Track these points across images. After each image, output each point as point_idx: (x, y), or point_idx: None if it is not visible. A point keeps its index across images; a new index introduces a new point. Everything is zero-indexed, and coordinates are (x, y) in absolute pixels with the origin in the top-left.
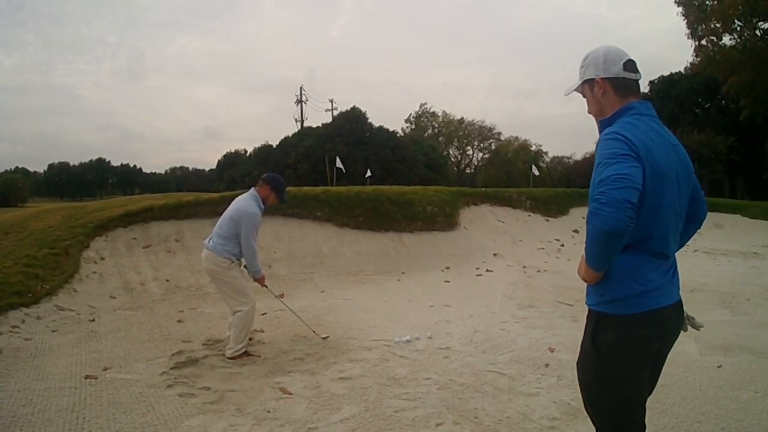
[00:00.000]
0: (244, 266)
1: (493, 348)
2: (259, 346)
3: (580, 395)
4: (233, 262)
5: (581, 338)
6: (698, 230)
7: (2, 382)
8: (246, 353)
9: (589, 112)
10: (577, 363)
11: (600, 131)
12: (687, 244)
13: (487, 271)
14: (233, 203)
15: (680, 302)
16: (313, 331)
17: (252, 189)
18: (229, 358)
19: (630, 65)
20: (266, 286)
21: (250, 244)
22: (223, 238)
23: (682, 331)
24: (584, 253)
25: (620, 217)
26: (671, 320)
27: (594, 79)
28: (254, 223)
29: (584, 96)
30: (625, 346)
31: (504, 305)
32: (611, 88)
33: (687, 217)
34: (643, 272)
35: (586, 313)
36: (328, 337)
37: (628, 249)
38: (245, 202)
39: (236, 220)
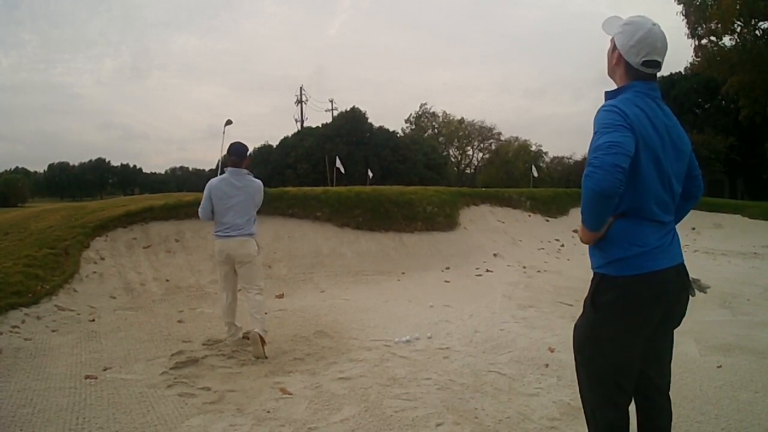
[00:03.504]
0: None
1: (493, 348)
2: None
3: (577, 384)
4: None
5: None
6: (694, 203)
7: (2, 382)
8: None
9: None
10: (575, 326)
11: (605, 100)
12: (686, 244)
13: (487, 271)
14: (242, 187)
15: (682, 265)
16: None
17: (237, 170)
18: (262, 337)
19: (650, 64)
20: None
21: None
22: (251, 219)
23: (690, 297)
24: (581, 212)
25: (611, 179)
26: (672, 283)
27: (617, 46)
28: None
29: (610, 40)
30: (623, 306)
31: (504, 305)
32: (624, 68)
33: (684, 193)
34: (641, 235)
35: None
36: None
37: (625, 216)
38: (252, 180)
39: (261, 194)
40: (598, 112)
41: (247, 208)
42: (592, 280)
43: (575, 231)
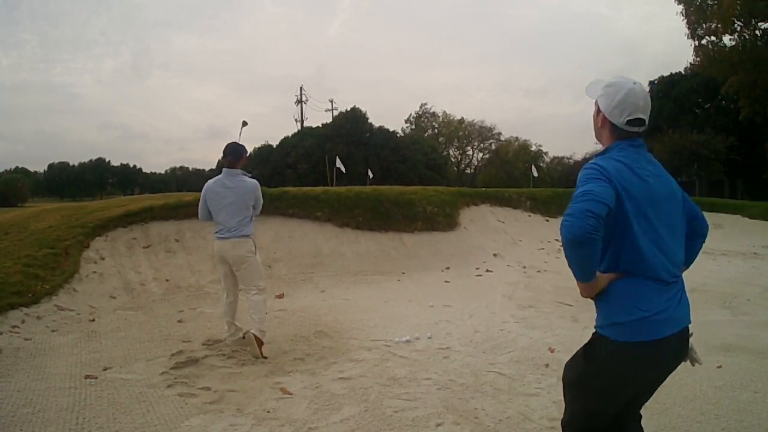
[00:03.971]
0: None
1: (493, 348)
2: None
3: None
4: (255, 244)
5: (581, 337)
6: (703, 244)
7: (2, 382)
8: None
9: None
10: (566, 364)
11: None
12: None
13: (487, 271)
14: (234, 188)
15: (686, 329)
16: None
17: (230, 170)
18: (258, 338)
19: (634, 122)
20: None
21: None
22: (245, 220)
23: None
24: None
25: (582, 225)
26: (672, 350)
27: (600, 109)
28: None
29: (594, 104)
30: (615, 367)
31: (504, 305)
32: (609, 129)
33: (689, 234)
34: (644, 297)
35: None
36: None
37: (627, 275)
38: (246, 181)
39: (255, 195)
40: (580, 173)
41: (239, 209)
42: (592, 335)
43: None
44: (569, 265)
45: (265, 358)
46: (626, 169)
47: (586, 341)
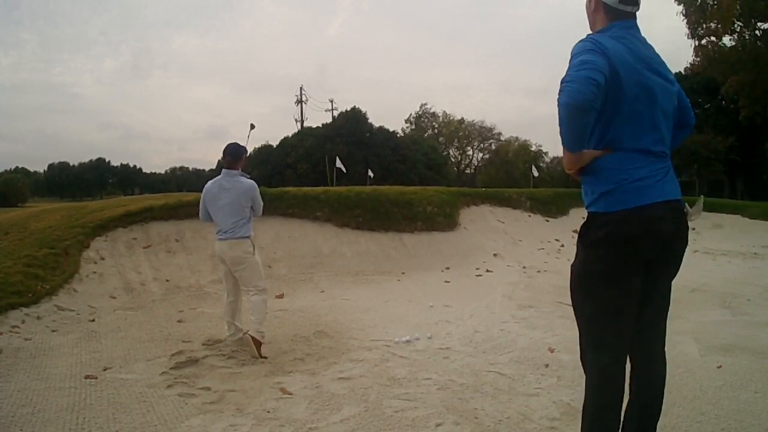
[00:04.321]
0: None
1: (493, 348)
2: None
3: (583, 388)
4: (254, 245)
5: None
6: (688, 134)
7: (2, 382)
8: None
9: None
10: (570, 267)
11: None
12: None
13: (487, 271)
14: (230, 189)
15: (678, 201)
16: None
17: (229, 171)
18: (255, 339)
19: (629, 1)
20: None
21: (262, 204)
22: (241, 221)
23: (687, 240)
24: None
25: (584, 91)
26: (665, 220)
27: None
28: (258, 191)
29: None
30: (612, 243)
31: (504, 305)
32: (603, 11)
33: (677, 123)
34: (629, 166)
35: None
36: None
37: (612, 147)
38: (242, 182)
39: (251, 196)
40: (574, 46)
41: (235, 210)
42: (584, 220)
43: (576, 231)
44: (561, 133)
45: (265, 358)
46: (623, 47)
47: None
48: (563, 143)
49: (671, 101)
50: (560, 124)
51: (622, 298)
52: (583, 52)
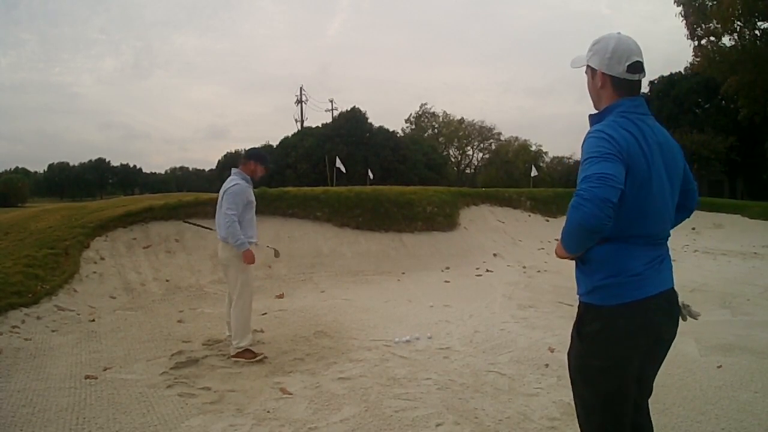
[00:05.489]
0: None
1: (493, 348)
2: (259, 346)
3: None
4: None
5: None
6: (687, 218)
7: (2, 382)
8: (249, 351)
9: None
10: (567, 354)
11: (590, 125)
12: (686, 244)
13: (487, 271)
14: (223, 188)
15: (672, 291)
16: (267, 246)
17: (234, 169)
18: (232, 356)
19: (634, 67)
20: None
21: (227, 213)
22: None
23: (681, 321)
24: (562, 233)
25: (599, 215)
26: (660, 311)
27: (596, 69)
28: (235, 195)
29: (586, 74)
30: (608, 338)
31: (504, 305)
32: (610, 85)
33: (678, 205)
34: (625, 260)
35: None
36: (278, 253)
37: (609, 240)
38: (228, 181)
39: (227, 199)
40: (585, 138)
41: (221, 210)
42: (578, 308)
43: None
44: (564, 239)
45: (265, 357)
46: (635, 141)
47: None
48: (564, 244)
49: (678, 187)
50: (567, 233)
51: (621, 388)
52: (600, 157)
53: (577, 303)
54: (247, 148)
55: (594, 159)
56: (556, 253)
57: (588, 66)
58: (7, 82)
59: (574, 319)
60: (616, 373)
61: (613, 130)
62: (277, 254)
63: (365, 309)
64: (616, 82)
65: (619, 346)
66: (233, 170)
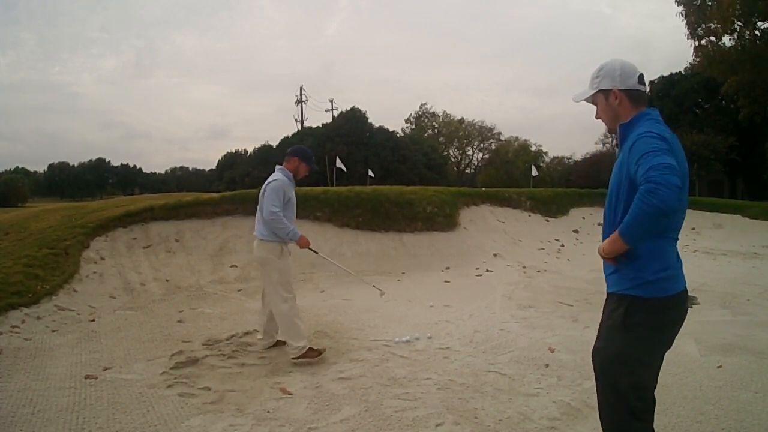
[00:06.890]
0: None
1: (493, 348)
2: (260, 347)
3: (595, 386)
4: (282, 249)
5: (581, 337)
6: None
7: (2, 382)
8: (311, 350)
9: (597, 117)
10: (594, 350)
11: (620, 135)
12: (686, 244)
13: (487, 271)
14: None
15: (685, 285)
16: (373, 286)
17: (278, 166)
18: (294, 360)
19: (641, 79)
20: (312, 249)
21: (270, 209)
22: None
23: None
24: (616, 232)
25: (674, 198)
26: (684, 304)
27: (611, 89)
28: (275, 190)
29: (595, 104)
30: (655, 328)
31: (504, 305)
32: (626, 99)
33: None
34: (668, 256)
35: (606, 299)
36: (384, 293)
37: (658, 235)
38: (270, 178)
39: (265, 195)
40: (635, 141)
41: (260, 208)
42: (613, 301)
43: (576, 231)
44: (633, 228)
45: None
46: (674, 141)
47: (586, 340)
48: (627, 236)
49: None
50: (639, 220)
51: (653, 375)
52: (660, 152)
53: (607, 297)
54: (292, 147)
55: (654, 152)
56: (603, 250)
57: (599, 92)
58: (7, 82)
59: (607, 312)
60: (652, 361)
61: (660, 131)
62: (382, 293)
63: (365, 309)
64: (632, 95)
65: (663, 336)
66: (277, 167)
